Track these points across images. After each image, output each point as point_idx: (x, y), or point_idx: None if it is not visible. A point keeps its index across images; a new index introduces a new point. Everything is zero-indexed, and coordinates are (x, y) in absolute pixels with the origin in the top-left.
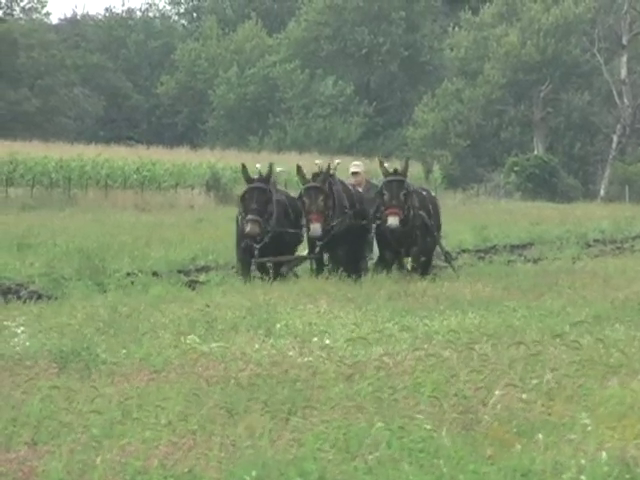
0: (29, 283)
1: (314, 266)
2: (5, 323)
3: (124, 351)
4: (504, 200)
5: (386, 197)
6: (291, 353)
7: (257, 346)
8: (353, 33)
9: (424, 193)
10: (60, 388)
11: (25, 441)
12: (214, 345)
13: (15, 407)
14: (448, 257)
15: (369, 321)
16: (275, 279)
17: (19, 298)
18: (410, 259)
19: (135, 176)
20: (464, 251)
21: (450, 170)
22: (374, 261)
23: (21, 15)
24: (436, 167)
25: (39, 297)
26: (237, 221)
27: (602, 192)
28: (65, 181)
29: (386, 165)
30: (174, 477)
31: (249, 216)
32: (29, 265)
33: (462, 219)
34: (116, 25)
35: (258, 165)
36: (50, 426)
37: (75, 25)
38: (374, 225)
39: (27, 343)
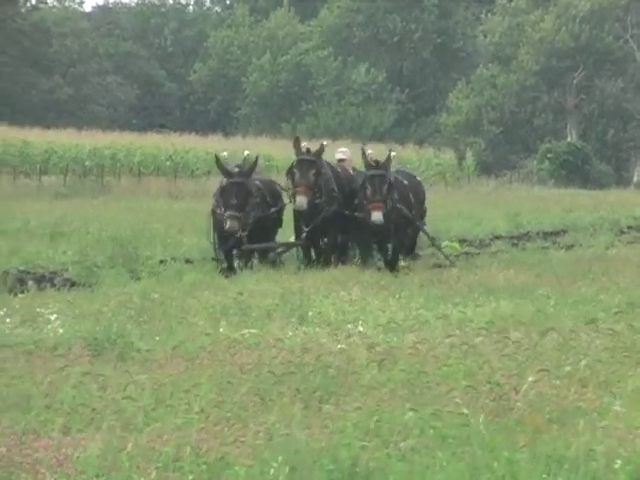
0: (62, 271)
1: (300, 254)
2: (39, 310)
3: (157, 338)
4: (537, 187)
5: (369, 192)
6: (324, 340)
7: (290, 333)
8: (385, 20)
9: (405, 182)
10: (93, 375)
11: (59, 428)
12: (247, 332)
13: (49, 394)
14: (435, 244)
15: (402, 308)
16: (248, 265)
17: (53, 286)
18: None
19: (168, 164)
20: (497, 238)
21: (483, 157)
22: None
23: (54, 3)
24: (469, 154)
25: (72, 285)
26: (213, 214)
27: (635, 179)
28: (98, 169)
29: (369, 154)
30: (207, 464)
31: (228, 212)
32: (62, 253)
33: (495, 206)
34: (149, 13)
35: (246, 152)
36: (83, 413)
37: (108, 13)
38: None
39: (61, 330)
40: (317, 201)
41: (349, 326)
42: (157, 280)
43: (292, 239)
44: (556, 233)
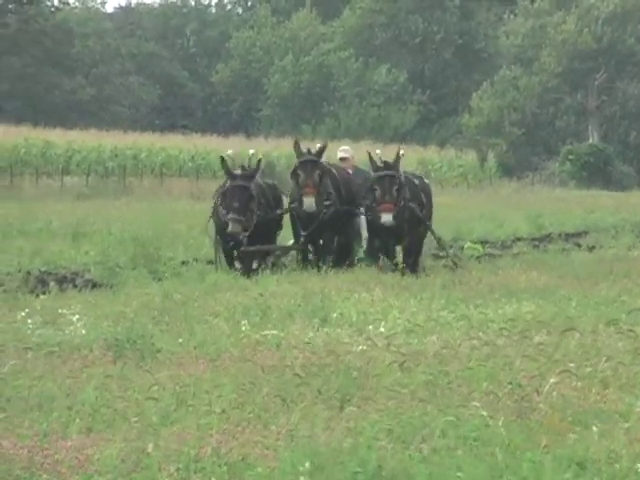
0: (84, 271)
1: (299, 256)
2: (61, 311)
3: (179, 339)
4: (559, 189)
5: (378, 193)
6: (346, 341)
7: (312, 334)
8: (407, 21)
9: (416, 182)
10: (115, 376)
11: (80, 429)
12: (268, 333)
13: (70, 395)
14: (441, 244)
15: (423, 309)
16: (253, 270)
17: (75, 286)
18: (401, 251)
19: (190, 164)
20: (519, 239)
21: (505, 158)
22: (364, 249)
23: (77, 4)
24: (491, 155)
25: (94, 285)
26: (214, 213)
27: None
28: (120, 170)
29: (378, 154)
30: (228, 465)
31: (231, 215)
32: (84, 253)
33: (517, 207)
34: (170, 13)
35: (251, 151)
36: (105, 414)
37: (130, 14)
38: (364, 216)
39: (83, 331)
40: (327, 202)
41: (371, 327)
42: (179, 281)
43: (290, 243)
44: (578, 234)
